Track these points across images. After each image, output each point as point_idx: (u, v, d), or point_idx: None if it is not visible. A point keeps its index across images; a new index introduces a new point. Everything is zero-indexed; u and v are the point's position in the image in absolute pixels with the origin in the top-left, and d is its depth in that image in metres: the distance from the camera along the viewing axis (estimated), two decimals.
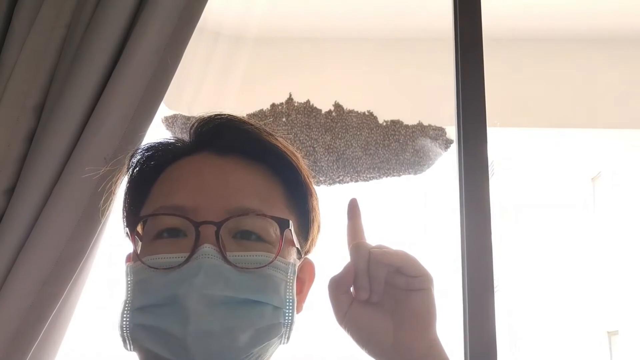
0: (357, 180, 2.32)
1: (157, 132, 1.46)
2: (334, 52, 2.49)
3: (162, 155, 0.81)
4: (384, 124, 2.36)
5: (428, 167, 2.35)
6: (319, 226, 0.85)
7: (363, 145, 2.31)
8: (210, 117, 0.81)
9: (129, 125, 1.29)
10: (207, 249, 0.70)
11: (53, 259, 1.24)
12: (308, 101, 2.32)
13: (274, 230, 0.74)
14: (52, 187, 1.27)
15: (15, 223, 1.25)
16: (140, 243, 0.76)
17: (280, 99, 2.32)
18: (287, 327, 0.74)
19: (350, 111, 2.35)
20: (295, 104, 2.32)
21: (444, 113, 2.34)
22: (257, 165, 0.78)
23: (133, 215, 0.80)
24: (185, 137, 0.82)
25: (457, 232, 1.57)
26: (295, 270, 0.76)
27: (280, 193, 0.79)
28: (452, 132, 2.30)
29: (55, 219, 1.25)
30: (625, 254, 6.56)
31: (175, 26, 1.33)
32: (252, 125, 0.80)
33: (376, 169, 2.32)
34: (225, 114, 0.81)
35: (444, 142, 2.36)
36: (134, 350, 0.74)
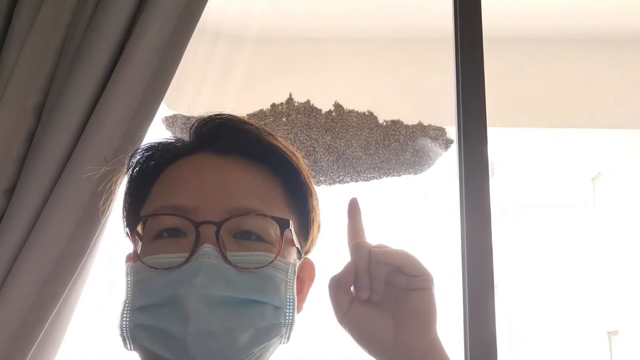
0: (357, 180, 2.32)
1: (157, 132, 1.46)
2: (334, 52, 2.49)
3: (162, 155, 0.81)
4: (384, 123, 2.36)
5: (428, 167, 2.35)
6: (319, 226, 0.85)
7: (363, 145, 2.31)
8: (210, 117, 0.81)
9: (129, 125, 1.29)
10: (208, 249, 0.70)
11: (53, 259, 1.24)
12: (308, 101, 2.32)
13: (274, 230, 0.74)
14: (52, 187, 1.27)
15: (16, 223, 1.25)
16: (140, 243, 0.76)
17: (281, 99, 2.32)
18: (287, 327, 0.74)
19: (351, 111, 2.35)
20: (296, 104, 2.32)
21: (444, 113, 2.34)
22: (257, 165, 0.78)
23: (133, 215, 0.80)
24: (185, 137, 0.82)
25: (458, 232, 1.57)
26: (295, 270, 0.76)
27: (280, 193, 0.79)
28: (452, 132, 2.30)
29: (55, 219, 1.25)
30: (625, 254, 6.56)
31: (176, 26, 1.33)
32: (252, 125, 0.80)
33: (376, 169, 2.32)
34: (225, 114, 0.81)
35: (444, 142, 2.36)
36: (134, 350, 0.74)
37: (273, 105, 2.31)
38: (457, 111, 1.63)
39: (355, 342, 0.75)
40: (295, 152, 0.82)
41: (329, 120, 2.32)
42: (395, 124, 2.35)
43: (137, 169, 0.82)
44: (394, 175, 2.34)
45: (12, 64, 1.33)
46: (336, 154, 2.29)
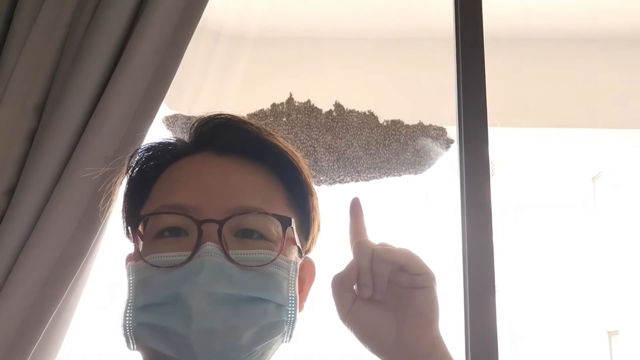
0: (357, 180, 2.32)
1: (157, 132, 1.46)
2: (334, 52, 2.49)
3: (162, 155, 0.81)
4: (385, 123, 2.36)
5: (429, 166, 2.35)
6: (319, 225, 0.85)
7: (364, 145, 2.31)
8: (210, 117, 0.81)
9: (130, 125, 1.29)
10: (210, 247, 0.70)
11: (54, 259, 1.24)
12: (308, 101, 2.32)
13: (275, 228, 0.75)
14: (52, 187, 1.27)
15: (16, 223, 1.25)
16: (141, 242, 0.76)
17: (281, 98, 2.32)
18: (289, 324, 0.74)
19: (351, 111, 2.35)
20: (296, 104, 2.32)
21: (444, 113, 2.34)
22: (258, 164, 0.78)
23: (134, 214, 0.80)
24: (186, 137, 0.82)
25: (458, 231, 1.57)
26: (297, 269, 0.76)
27: (280, 192, 0.79)
28: (452, 131, 2.30)
29: (55, 219, 1.25)
30: (626, 254, 6.56)
31: (176, 26, 1.33)
32: (252, 125, 0.80)
33: (377, 169, 2.32)
34: (225, 114, 0.81)
35: (445, 141, 2.36)
36: (137, 349, 0.74)
37: (273, 105, 2.31)
38: (458, 111, 1.63)
39: (357, 341, 0.75)
40: (295, 152, 0.82)
41: (330, 120, 2.32)
42: (396, 124, 2.35)
43: (137, 169, 0.82)
44: (394, 175, 2.34)
45: (12, 63, 1.33)
46: (337, 154, 2.29)
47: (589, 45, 2.52)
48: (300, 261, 0.80)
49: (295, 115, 2.30)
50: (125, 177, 0.83)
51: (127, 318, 0.72)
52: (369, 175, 2.32)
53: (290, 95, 2.33)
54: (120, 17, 1.32)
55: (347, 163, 2.30)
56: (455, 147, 1.77)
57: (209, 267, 0.69)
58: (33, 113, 1.32)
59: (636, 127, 2.57)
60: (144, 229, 0.77)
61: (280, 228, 0.74)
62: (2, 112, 1.31)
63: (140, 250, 0.75)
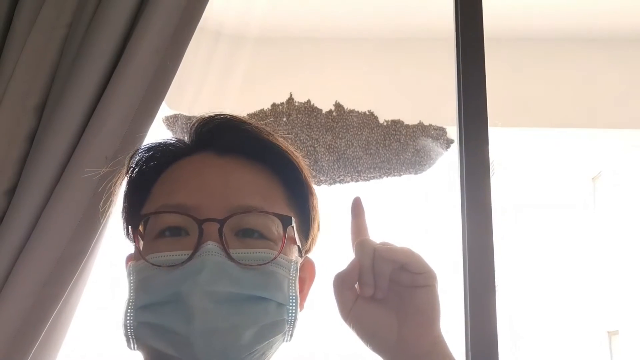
0: (357, 180, 2.32)
1: (158, 133, 1.46)
2: (334, 52, 2.49)
3: (162, 155, 0.82)
4: (385, 123, 2.36)
5: (429, 166, 2.35)
6: (318, 225, 0.85)
7: (364, 145, 2.32)
8: (210, 117, 0.81)
9: (130, 125, 1.29)
10: (211, 246, 0.70)
11: (54, 259, 1.24)
12: (309, 101, 2.32)
13: (275, 227, 0.75)
14: (53, 187, 1.27)
15: (16, 224, 1.25)
16: (141, 242, 0.76)
17: (281, 98, 2.33)
18: (290, 324, 0.74)
19: (351, 111, 2.35)
20: (296, 104, 2.32)
21: (444, 113, 2.34)
22: (258, 164, 0.78)
23: (134, 214, 0.80)
24: (186, 137, 0.82)
25: (459, 231, 1.57)
26: (297, 268, 0.76)
27: (281, 192, 0.79)
28: (453, 131, 2.30)
29: (56, 219, 1.25)
30: (626, 254, 6.55)
31: (176, 26, 1.33)
32: (252, 125, 0.81)
33: (377, 169, 2.32)
34: (225, 114, 0.81)
35: (445, 141, 2.36)
36: (137, 349, 0.74)
37: (274, 105, 2.31)
38: (458, 111, 1.63)
39: (359, 339, 0.75)
40: (295, 152, 0.82)
41: (330, 120, 2.32)
42: (396, 124, 2.36)
43: (137, 169, 0.82)
44: (394, 175, 2.34)
45: (13, 63, 1.33)
46: (337, 154, 2.29)
47: (589, 45, 2.52)
48: (300, 261, 0.80)
49: (295, 115, 2.30)
50: (125, 177, 0.83)
51: (127, 318, 0.72)
52: (369, 175, 2.32)
53: (291, 95, 2.33)
54: (121, 17, 1.32)
55: (347, 163, 2.30)
56: (455, 147, 1.77)
57: (210, 266, 0.69)
58: (33, 113, 1.32)
59: (636, 127, 2.58)
60: (144, 228, 0.77)
61: (280, 227, 0.75)
62: (2, 112, 1.31)
63: (141, 249, 0.75)
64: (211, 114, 0.81)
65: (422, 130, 2.35)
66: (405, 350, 0.73)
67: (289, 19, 2.46)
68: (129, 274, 0.75)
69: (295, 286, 0.75)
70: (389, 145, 2.32)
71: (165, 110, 2.20)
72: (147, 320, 0.71)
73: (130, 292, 0.74)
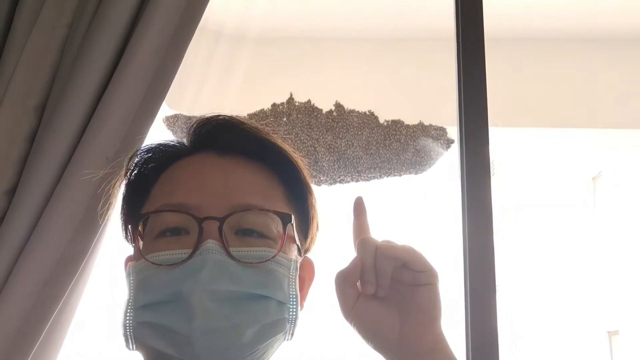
0: (358, 180, 2.32)
1: (158, 133, 1.46)
2: (334, 52, 2.49)
3: (161, 156, 0.82)
4: (385, 123, 2.36)
5: (429, 166, 2.35)
6: (317, 224, 0.85)
7: (364, 145, 2.32)
8: (209, 117, 0.81)
9: (131, 125, 1.29)
10: (211, 244, 0.70)
11: (54, 259, 1.24)
12: (309, 101, 2.32)
13: (275, 226, 0.75)
14: (53, 188, 1.27)
15: (17, 224, 1.25)
16: (141, 242, 0.76)
17: (281, 98, 2.33)
18: (291, 322, 0.74)
19: (351, 111, 2.36)
20: (296, 104, 2.32)
21: (445, 113, 2.34)
22: (257, 164, 0.79)
23: (134, 214, 0.80)
24: (185, 137, 0.82)
25: (459, 231, 1.57)
26: (297, 267, 0.76)
27: (280, 191, 0.79)
28: (453, 131, 2.30)
29: (56, 219, 1.25)
30: (626, 254, 6.55)
31: (177, 26, 1.33)
32: (251, 124, 0.81)
33: (377, 169, 2.32)
34: (224, 115, 0.81)
35: (445, 141, 2.36)
36: (137, 349, 0.74)
37: (274, 105, 2.31)
38: (459, 111, 1.63)
39: (360, 337, 0.75)
40: (294, 151, 0.82)
41: (330, 120, 2.32)
42: (396, 124, 2.36)
43: (136, 170, 0.82)
44: (394, 175, 2.34)
45: (13, 64, 1.33)
46: (337, 154, 2.29)
47: (589, 45, 2.52)
48: (300, 260, 0.80)
49: (295, 115, 2.30)
50: (124, 179, 0.83)
51: (127, 317, 0.72)
52: (369, 175, 2.32)
53: (291, 95, 2.33)
54: (121, 17, 1.31)
55: (347, 163, 2.30)
56: (455, 147, 1.77)
57: (210, 265, 0.69)
58: (34, 113, 1.32)
59: (636, 127, 2.58)
60: (143, 228, 0.77)
61: (280, 226, 0.75)
62: (2, 112, 1.31)
63: (141, 249, 0.75)
64: (210, 115, 0.81)
65: (423, 130, 2.35)
66: (407, 349, 0.73)
67: (289, 19, 2.46)
68: (128, 275, 0.75)
69: (295, 285, 0.75)
70: (389, 145, 2.32)
71: (165, 110, 2.20)
72: (147, 320, 0.71)
73: (130, 292, 0.74)
